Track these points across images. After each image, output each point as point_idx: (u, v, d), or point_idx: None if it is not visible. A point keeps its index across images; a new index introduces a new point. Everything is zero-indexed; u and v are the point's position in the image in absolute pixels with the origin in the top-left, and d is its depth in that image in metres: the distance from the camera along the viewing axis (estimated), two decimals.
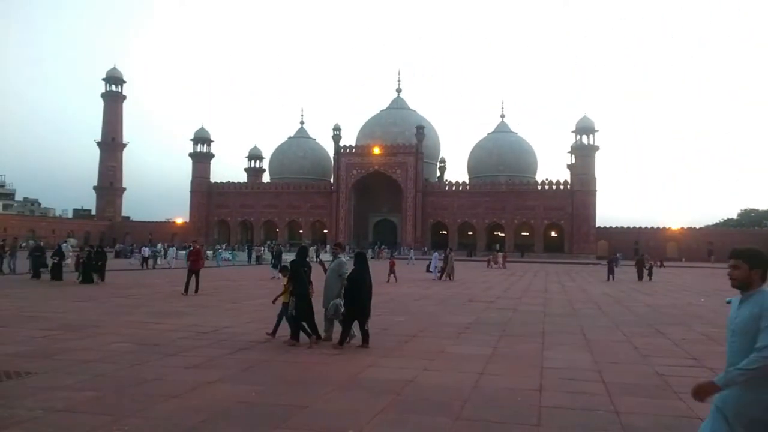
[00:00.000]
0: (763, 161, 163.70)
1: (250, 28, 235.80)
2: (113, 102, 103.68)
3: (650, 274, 30.92)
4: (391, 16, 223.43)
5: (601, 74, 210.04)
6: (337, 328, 9.35)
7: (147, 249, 36.31)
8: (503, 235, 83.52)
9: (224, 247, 55.56)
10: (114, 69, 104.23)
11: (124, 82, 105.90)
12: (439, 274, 27.45)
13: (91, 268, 21.11)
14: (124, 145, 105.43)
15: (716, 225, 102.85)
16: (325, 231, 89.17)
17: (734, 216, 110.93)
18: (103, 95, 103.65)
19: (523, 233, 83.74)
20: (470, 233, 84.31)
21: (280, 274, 9.75)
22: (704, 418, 5.51)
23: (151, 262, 34.65)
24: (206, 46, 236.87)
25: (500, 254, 50.55)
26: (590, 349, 9.28)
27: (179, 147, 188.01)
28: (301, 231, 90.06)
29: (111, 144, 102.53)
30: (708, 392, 3.07)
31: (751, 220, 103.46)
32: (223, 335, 10.01)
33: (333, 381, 6.81)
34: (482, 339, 10.11)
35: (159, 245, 43.61)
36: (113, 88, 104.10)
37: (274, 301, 10.18)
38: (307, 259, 10.03)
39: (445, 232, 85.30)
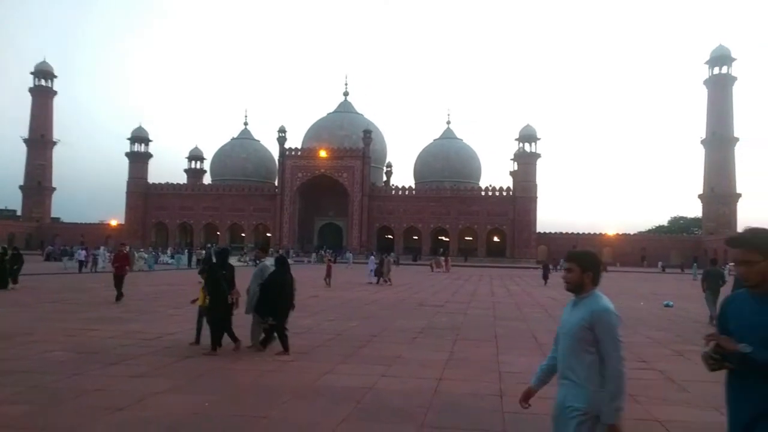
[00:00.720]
0: (691, 172, 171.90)
1: (192, 23, 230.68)
2: (42, 97, 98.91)
3: None
4: (339, 18, 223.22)
5: (544, 84, 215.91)
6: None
7: (82, 252, 34.65)
8: (447, 239, 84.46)
9: (162, 251, 53.94)
10: (44, 63, 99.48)
11: (55, 76, 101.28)
12: (375, 278, 27.35)
13: (6, 272, 19.42)
14: (55, 143, 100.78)
15: (648, 231, 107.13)
16: (268, 234, 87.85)
17: (665, 223, 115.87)
18: (31, 90, 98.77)
19: (466, 238, 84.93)
20: (415, 237, 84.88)
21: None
22: (663, 421, 5.60)
23: (89, 265, 33.12)
24: (146, 41, 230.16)
25: (443, 259, 51.46)
26: (543, 353, 9.27)
27: (115, 146, 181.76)
28: (243, 234, 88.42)
29: (40, 141, 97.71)
30: None
31: (680, 227, 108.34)
32: (168, 342, 9.56)
33: (289, 389, 6.54)
34: (437, 343, 10.02)
35: (102, 248, 41.96)
36: (42, 82, 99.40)
37: (192, 302, 9.76)
38: (232, 262, 9.71)
39: (390, 236, 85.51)
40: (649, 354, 9.32)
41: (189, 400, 6.00)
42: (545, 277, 31.24)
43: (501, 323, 13.13)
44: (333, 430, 5.10)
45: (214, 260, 9.51)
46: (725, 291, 15.44)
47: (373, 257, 31.04)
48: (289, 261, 9.76)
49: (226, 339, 8.75)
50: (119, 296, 16.06)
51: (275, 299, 8.62)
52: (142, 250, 49.92)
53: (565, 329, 3.09)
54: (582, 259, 3.13)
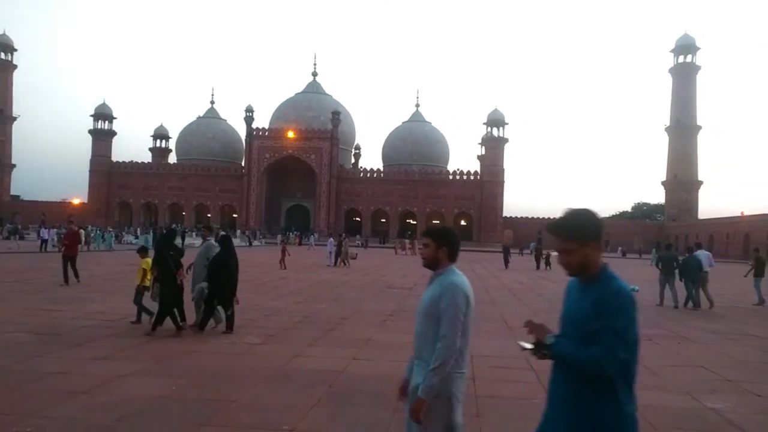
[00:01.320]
0: (655, 159, 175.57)
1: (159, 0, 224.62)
2: (2, 71, 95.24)
3: (548, 263, 31.18)
4: None
5: (512, 69, 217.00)
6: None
7: (46, 231, 33.52)
8: (415, 222, 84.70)
9: (126, 230, 52.79)
10: (3, 35, 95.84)
11: (15, 50, 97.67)
12: (334, 260, 27.18)
13: None
14: (14, 119, 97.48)
15: (612, 217, 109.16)
16: (234, 215, 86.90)
17: (628, 209, 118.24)
18: None
19: (434, 221, 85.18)
20: (383, 220, 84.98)
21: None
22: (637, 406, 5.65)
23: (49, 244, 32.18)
24: (111, 15, 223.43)
25: (407, 241, 51.81)
26: (514, 336, 9.33)
27: (78, 123, 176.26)
28: (209, 215, 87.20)
29: None
30: (421, 409, 2.75)
31: (643, 212, 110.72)
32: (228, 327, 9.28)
33: (259, 373, 6.40)
34: (407, 326, 9.91)
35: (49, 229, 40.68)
36: (2, 55, 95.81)
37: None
38: (176, 243, 9.54)
39: (358, 218, 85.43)
40: None
41: (155, 384, 5.82)
42: (506, 261, 31.51)
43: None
44: (306, 414, 5.00)
45: (160, 241, 9.39)
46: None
47: (331, 240, 30.92)
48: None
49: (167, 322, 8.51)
50: (67, 277, 14.53)
51: (219, 281, 8.51)
52: (100, 228, 48.73)
53: (420, 307, 2.97)
54: (437, 235, 3.04)
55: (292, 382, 6.07)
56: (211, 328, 8.74)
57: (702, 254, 15.21)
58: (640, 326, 7.88)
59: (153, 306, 8.77)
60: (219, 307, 8.78)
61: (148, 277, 9.02)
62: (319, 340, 8.43)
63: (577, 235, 2.34)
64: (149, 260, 9.16)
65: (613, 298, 2.23)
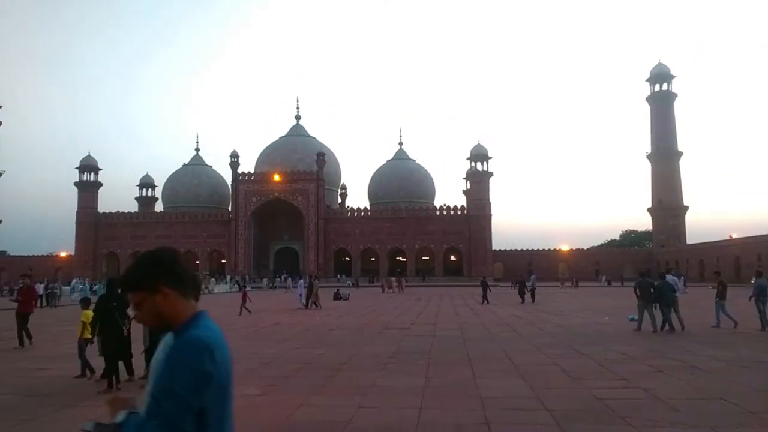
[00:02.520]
0: (639, 187, 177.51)
1: (139, 48, 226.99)
2: None
3: (533, 296, 30.02)
4: (289, 41, 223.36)
5: (493, 103, 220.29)
6: None
7: (40, 285, 32.72)
8: (405, 260, 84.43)
9: (99, 282, 51.82)
10: None
11: (0, 106, 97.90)
12: (304, 303, 26.67)
13: None
14: (0, 174, 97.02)
15: (601, 246, 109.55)
16: (223, 261, 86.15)
17: (617, 237, 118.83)
18: None
19: (423, 257, 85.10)
20: (373, 259, 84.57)
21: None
22: None
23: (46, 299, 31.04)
24: (91, 66, 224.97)
25: (393, 279, 51.64)
26: (520, 374, 9.09)
27: (63, 175, 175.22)
28: (197, 261, 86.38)
29: None
30: None
31: (631, 240, 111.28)
32: (126, 379, 8.90)
33: (263, 427, 6.09)
34: (410, 369, 9.68)
35: (58, 282, 40.01)
36: None
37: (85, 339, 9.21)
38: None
39: (348, 258, 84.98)
40: (627, 371, 9.19)
41: None
42: (484, 296, 29.85)
43: (471, 344, 12.88)
44: None
45: (104, 293, 9.26)
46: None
47: (302, 281, 30.62)
48: (247, 288, 9.39)
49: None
50: (24, 338, 13.07)
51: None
52: (76, 279, 47.99)
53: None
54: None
55: None
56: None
57: (672, 279, 15.57)
58: (654, 356, 7.62)
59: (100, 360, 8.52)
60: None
61: (88, 330, 8.79)
62: (321, 388, 8.11)
63: (142, 284, 1.87)
64: (89, 312, 8.94)
65: (176, 353, 1.76)
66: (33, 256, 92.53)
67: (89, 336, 8.73)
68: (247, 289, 31.59)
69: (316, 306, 25.99)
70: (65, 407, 7.11)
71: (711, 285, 17.85)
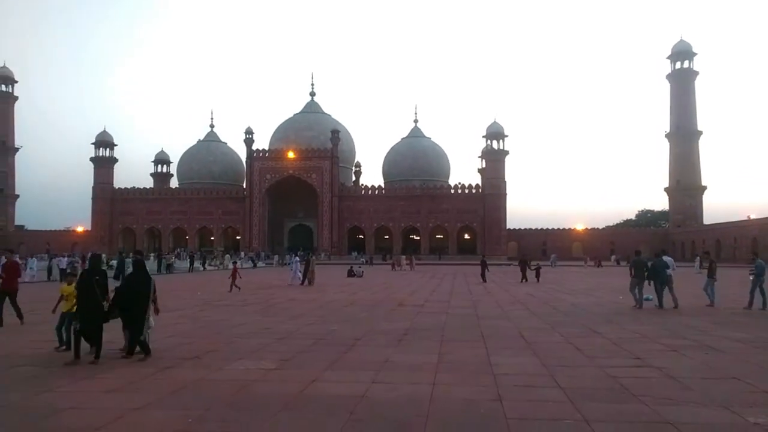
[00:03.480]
0: (657, 166, 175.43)
1: (155, 25, 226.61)
2: (3, 103, 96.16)
3: (537, 276, 29.74)
4: (305, 17, 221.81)
5: (509, 80, 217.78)
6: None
7: (64, 259, 32.49)
8: (418, 238, 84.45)
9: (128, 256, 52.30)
10: (3, 68, 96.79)
11: (16, 81, 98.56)
12: (300, 280, 26.66)
13: None
14: (17, 149, 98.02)
15: (617, 225, 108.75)
16: (238, 237, 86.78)
17: (632, 217, 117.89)
18: None
19: (437, 236, 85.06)
20: (386, 237, 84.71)
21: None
22: (675, 422, 5.38)
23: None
24: (107, 43, 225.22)
25: (403, 257, 51.76)
26: (534, 352, 9.09)
27: (79, 151, 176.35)
28: (212, 238, 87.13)
29: (1, 148, 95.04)
30: None
31: (647, 220, 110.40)
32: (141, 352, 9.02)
33: (277, 400, 6.14)
34: (424, 345, 9.71)
35: (77, 255, 40.48)
36: (2, 87, 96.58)
37: (53, 310, 9.30)
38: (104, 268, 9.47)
39: (362, 236, 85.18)
40: (641, 350, 9.15)
41: (171, 416, 5.57)
42: (483, 275, 29.87)
43: (485, 322, 12.90)
44: None
45: (87, 267, 9.19)
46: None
47: (297, 258, 30.76)
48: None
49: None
50: (1, 318, 12.15)
51: (124, 307, 8.41)
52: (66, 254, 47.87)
53: None
54: None
55: (312, 410, 5.82)
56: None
57: (668, 260, 16.64)
58: (669, 336, 7.58)
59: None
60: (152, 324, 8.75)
61: (64, 303, 8.92)
62: (335, 363, 8.17)
63: None
64: (65, 286, 9.04)
65: None
66: (50, 230, 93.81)
67: (65, 309, 8.85)
68: (239, 265, 31.50)
69: (310, 283, 25.87)
70: (82, 379, 7.22)
71: (705, 264, 18.28)
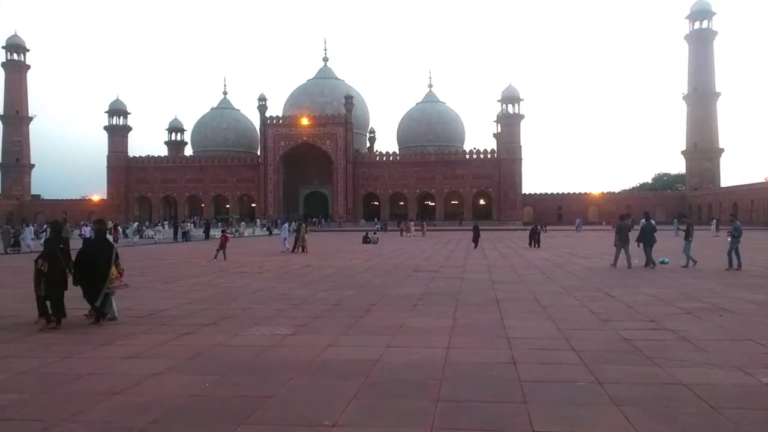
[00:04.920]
0: (674, 129, 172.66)
1: None
2: (15, 72, 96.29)
3: (538, 241, 29.37)
4: None
5: (525, 43, 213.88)
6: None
7: (88, 228, 32.52)
8: (433, 204, 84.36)
9: (148, 225, 53.04)
10: (15, 36, 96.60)
11: (28, 50, 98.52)
12: (291, 247, 26.61)
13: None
14: (31, 119, 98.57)
15: (633, 189, 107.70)
16: (253, 205, 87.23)
17: (649, 180, 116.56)
18: (3, 65, 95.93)
19: (452, 202, 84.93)
20: (401, 203, 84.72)
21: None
22: (689, 384, 5.39)
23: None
24: (120, 10, 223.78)
25: (412, 223, 51.97)
26: (549, 315, 9.10)
27: (93, 120, 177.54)
28: (227, 206, 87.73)
29: (15, 117, 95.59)
30: None
31: (663, 183, 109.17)
32: (161, 319, 9.19)
33: (292, 365, 6.22)
34: (438, 310, 9.76)
35: (110, 222, 41.05)
36: (15, 56, 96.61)
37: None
38: (65, 235, 9.67)
39: (377, 203, 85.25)
40: (656, 313, 9.12)
41: (188, 382, 5.67)
42: (475, 240, 29.64)
43: (500, 287, 12.92)
44: (345, 408, 4.81)
45: (49, 235, 9.33)
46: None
47: (286, 225, 30.97)
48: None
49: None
50: None
51: (83, 274, 8.64)
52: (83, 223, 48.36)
53: None
54: None
55: (328, 374, 5.89)
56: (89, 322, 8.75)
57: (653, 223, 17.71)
58: (684, 299, 7.52)
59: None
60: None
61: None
62: (350, 329, 8.25)
63: None
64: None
65: None
66: (66, 199, 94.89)
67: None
68: (229, 233, 31.63)
69: (303, 250, 25.87)
70: (102, 345, 7.35)
71: (681, 227, 18.69)
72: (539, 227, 32.35)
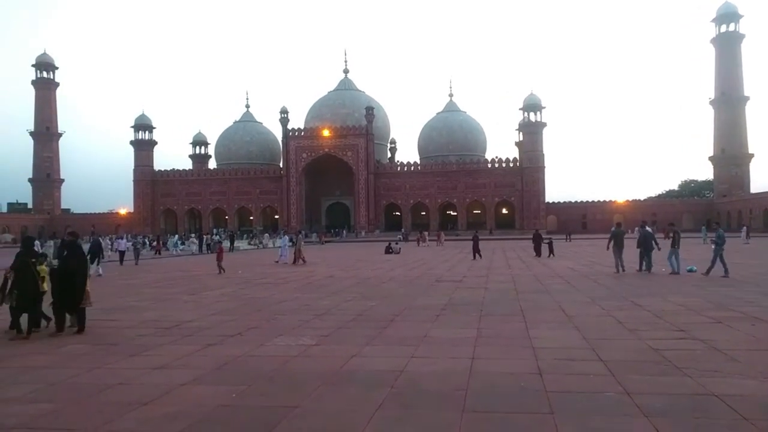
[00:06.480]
0: (702, 134, 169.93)
1: (190, 8, 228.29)
2: (45, 89, 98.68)
3: (551, 250, 28.41)
4: None
5: (546, 49, 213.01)
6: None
7: (123, 242, 31.80)
8: (455, 214, 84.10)
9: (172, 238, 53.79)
10: (44, 54, 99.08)
11: (57, 68, 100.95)
12: (292, 258, 26.39)
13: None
14: (60, 135, 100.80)
15: (659, 196, 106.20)
16: (276, 216, 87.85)
17: (675, 187, 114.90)
18: (33, 82, 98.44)
19: (475, 211, 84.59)
20: (423, 213, 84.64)
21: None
22: (720, 395, 5.28)
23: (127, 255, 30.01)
24: (144, 27, 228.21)
25: (426, 233, 52.34)
26: (575, 325, 9.00)
27: (120, 135, 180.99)
28: (251, 218, 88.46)
29: (45, 134, 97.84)
30: None
31: (690, 190, 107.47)
32: (187, 330, 9.28)
33: (317, 376, 6.24)
34: (462, 320, 9.72)
35: (139, 237, 42.31)
36: (44, 74, 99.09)
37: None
38: (37, 250, 10.23)
39: (398, 213, 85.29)
40: (684, 322, 8.97)
41: (215, 392, 5.72)
42: (475, 251, 28.34)
43: (524, 296, 12.82)
44: (371, 418, 4.81)
45: (21, 250, 9.47)
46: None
47: (285, 237, 31.15)
48: (222, 243, 10.06)
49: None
50: None
51: (60, 287, 8.97)
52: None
53: None
54: None
55: (353, 384, 5.90)
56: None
57: (648, 230, 18.65)
58: (713, 308, 7.40)
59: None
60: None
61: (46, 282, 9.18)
62: (374, 339, 8.25)
63: None
64: (44, 267, 9.23)
65: None
66: (95, 213, 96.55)
67: (45, 289, 9.11)
68: (224, 245, 31.57)
69: (303, 261, 25.82)
70: (131, 356, 7.46)
71: (670, 235, 19.29)
72: (542, 234, 31.57)
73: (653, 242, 17.93)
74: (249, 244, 55.93)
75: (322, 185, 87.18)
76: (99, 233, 56.20)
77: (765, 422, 4.51)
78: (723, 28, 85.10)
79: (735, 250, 28.00)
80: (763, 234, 57.75)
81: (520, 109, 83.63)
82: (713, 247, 16.65)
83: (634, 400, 5.14)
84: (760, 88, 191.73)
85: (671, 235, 18.54)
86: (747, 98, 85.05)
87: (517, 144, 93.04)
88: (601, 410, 4.93)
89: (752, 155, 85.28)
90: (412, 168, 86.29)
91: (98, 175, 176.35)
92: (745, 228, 46.47)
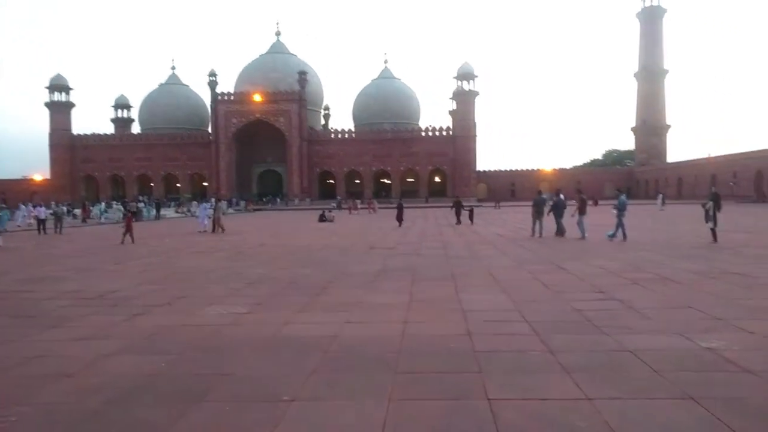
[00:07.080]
0: (625, 106, 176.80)
1: None
2: None
3: (471, 218, 29.44)
4: None
5: (480, 20, 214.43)
6: None
7: (42, 209, 30.09)
8: (390, 182, 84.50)
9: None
10: None
11: None
12: (210, 226, 26.16)
13: None
14: None
15: (584, 165, 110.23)
16: (205, 184, 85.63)
17: (599, 157, 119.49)
18: None
19: (408, 179, 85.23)
20: (357, 181, 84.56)
21: None
22: (636, 351, 5.62)
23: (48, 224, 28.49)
24: None
25: (358, 201, 52.91)
26: (503, 289, 9.30)
27: (33, 96, 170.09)
28: (178, 185, 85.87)
29: None
30: None
31: (613, 159, 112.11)
32: (112, 300, 8.99)
33: (250, 343, 6.20)
34: (395, 286, 9.85)
35: (61, 204, 40.39)
36: None
37: None
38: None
39: (332, 180, 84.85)
40: (604, 284, 9.45)
41: (143, 362, 5.59)
42: (399, 218, 29.09)
43: (455, 262, 13.11)
44: (304, 383, 4.84)
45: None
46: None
47: (205, 204, 30.89)
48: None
49: None
50: None
51: None
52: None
53: None
54: None
55: (286, 351, 5.90)
56: None
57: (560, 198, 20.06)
58: (631, 270, 7.77)
59: None
60: None
61: None
62: (307, 306, 8.25)
63: None
64: None
65: None
66: (5, 180, 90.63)
67: None
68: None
69: (222, 230, 25.33)
70: (50, 328, 7.17)
71: (576, 204, 19.74)
72: (461, 202, 32.53)
73: (563, 209, 19.50)
74: (176, 212, 54.48)
75: (253, 152, 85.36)
76: (10, 201, 53.18)
77: (674, 373, 4.84)
78: (648, 2, 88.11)
79: (650, 216, 29.55)
80: (676, 201, 61.17)
81: (454, 77, 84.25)
82: (614, 212, 17.81)
83: (557, 357, 5.39)
84: (678, 61, 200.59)
85: (580, 202, 19.38)
86: (666, 71, 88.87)
87: (451, 113, 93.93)
88: (525, 368, 5.15)
89: (669, 126, 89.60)
90: (347, 135, 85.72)
91: (11, 139, 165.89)
92: (661, 195, 48.99)
